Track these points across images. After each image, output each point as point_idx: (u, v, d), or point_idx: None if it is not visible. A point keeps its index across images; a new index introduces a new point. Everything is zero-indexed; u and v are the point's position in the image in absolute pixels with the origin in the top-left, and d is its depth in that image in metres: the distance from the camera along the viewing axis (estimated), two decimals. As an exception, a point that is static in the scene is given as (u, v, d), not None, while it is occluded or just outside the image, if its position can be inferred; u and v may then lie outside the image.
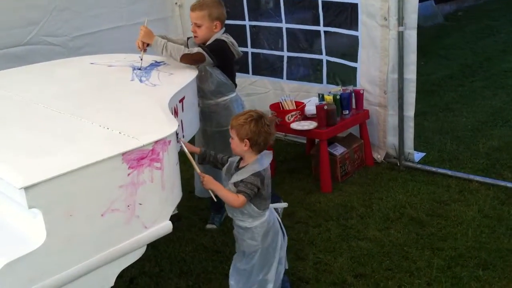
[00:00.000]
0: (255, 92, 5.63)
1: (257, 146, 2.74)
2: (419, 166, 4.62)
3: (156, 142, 2.36)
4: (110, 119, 2.59)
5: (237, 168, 2.81)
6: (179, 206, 4.04)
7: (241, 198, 2.68)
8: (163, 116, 2.63)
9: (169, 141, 2.44)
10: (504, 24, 10.63)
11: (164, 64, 3.67)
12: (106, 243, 2.28)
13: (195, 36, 3.74)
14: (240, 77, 5.72)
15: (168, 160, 2.44)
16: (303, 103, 4.65)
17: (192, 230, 3.94)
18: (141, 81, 3.27)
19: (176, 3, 5.88)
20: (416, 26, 4.32)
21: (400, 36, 4.34)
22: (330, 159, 4.42)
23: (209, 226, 3.97)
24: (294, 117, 4.47)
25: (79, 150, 2.29)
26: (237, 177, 2.74)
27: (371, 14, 4.43)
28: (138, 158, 2.31)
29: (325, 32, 4.86)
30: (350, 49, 4.75)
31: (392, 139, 4.74)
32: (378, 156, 4.82)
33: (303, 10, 5.01)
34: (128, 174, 2.28)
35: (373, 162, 4.79)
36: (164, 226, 2.50)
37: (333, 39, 4.87)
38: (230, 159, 2.91)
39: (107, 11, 5.36)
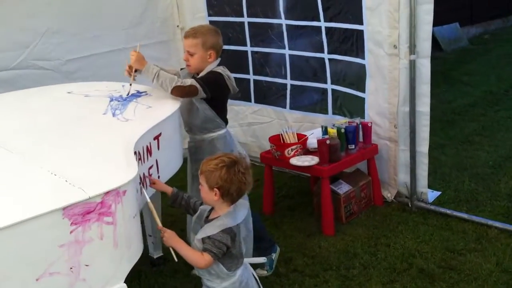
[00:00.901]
0: (258, 121, 5.29)
1: (229, 197, 2.37)
2: (432, 207, 4.18)
3: (106, 193, 2.03)
4: (61, 163, 2.28)
5: (207, 220, 2.44)
6: (166, 248, 3.78)
7: (207, 258, 2.32)
8: (121, 161, 2.29)
9: (124, 191, 2.10)
10: (533, 48, 10.15)
11: (146, 94, 3.36)
12: (41, 313, 1.94)
13: (187, 65, 3.44)
14: (242, 105, 5.44)
15: (122, 213, 2.10)
16: (305, 135, 4.27)
17: (176, 276, 3.57)
18: (114, 114, 2.96)
19: (178, 26, 5.59)
20: (429, 54, 3.93)
21: (412, 66, 3.95)
22: (334, 198, 4.02)
23: (260, 272, 3.42)
24: (294, 151, 4.09)
25: (15, 201, 1.97)
26: (204, 232, 2.38)
27: (378, 42, 4.06)
28: (84, 213, 1.98)
29: (329, 59, 4.50)
30: (357, 78, 4.37)
31: (403, 177, 4.32)
32: (388, 195, 4.41)
33: (307, 36, 4.65)
34: (71, 232, 1.96)
35: (383, 202, 4.37)
36: (118, 289, 2.15)
37: (338, 67, 4.51)
38: (201, 207, 2.55)
39: (104, 34, 5.08)
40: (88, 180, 2.09)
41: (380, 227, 4.00)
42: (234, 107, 5.52)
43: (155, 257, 3.70)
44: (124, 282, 2.16)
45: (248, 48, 5.17)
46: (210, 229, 2.36)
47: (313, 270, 3.52)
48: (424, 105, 4.05)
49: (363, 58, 4.25)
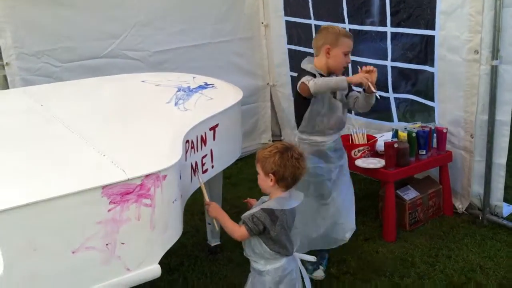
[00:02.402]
0: None
1: (284, 182, 2.45)
2: (505, 222, 3.95)
3: (146, 176, 2.14)
4: (113, 145, 2.42)
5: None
6: (226, 236, 3.87)
7: (242, 229, 2.42)
8: (167, 147, 2.39)
9: (164, 176, 2.20)
10: None
11: (212, 87, 3.45)
12: (77, 284, 2.08)
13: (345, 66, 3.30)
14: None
15: (161, 197, 2.19)
16: (375, 137, 4.19)
17: (229, 266, 3.65)
18: (176, 104, 3.08)
19: (262, 23, 5.68)
20: (515, 60, 3.72)
21: (494, 72, 3.76)
22: (398, 204, 3.93)
23: (315, 274, 3.46)
24: (361, 152, 4.04)
25: (59, 177, 2.12)
26: (250, 211, 2.47)
27: (454, 47, 3.88)
28: (123, 193, 2.09)
29: (392, 67, 4.38)
30: (425, 86, 4.22)
31: (477, 188, 4.12)
32: (460, 205, 4.22)
33: (370, 41, 4.52)
34: (109, 210, 2.07)
35: (452, 212, 4.20)
36: (151, 270, 2.24)
37: (404, 75, 4.36)
38: (262, 197, 2.62)
39: (190, 28, 5.29)
40: (131, 162, 2.20)
41: (445, 238, 3.85)
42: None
43: (212, 244, 3.81)
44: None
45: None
46: (255, 209, 2.45)
47: (366, 274, 3.46)
48: (505, 114, 3.83)
49: (432, 65, 4.10)
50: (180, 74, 3.80)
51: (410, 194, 4.03)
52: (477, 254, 3.60)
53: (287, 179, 2.43)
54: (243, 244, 2.57)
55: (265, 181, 2.47)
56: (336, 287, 3.35)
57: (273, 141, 5.99)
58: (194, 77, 3.70)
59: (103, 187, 2.04)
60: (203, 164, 2.86)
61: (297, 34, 5.32)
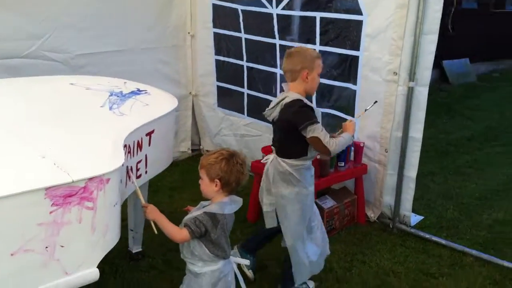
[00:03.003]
0: (250, 133, 5.44)
1: (228, 187, 2.57)
2: (413, 230, 4.28)
3: (90, 179, 2.15)
4: (53, 148, 2.40)
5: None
6: (148, 242, 3.89)
7: (184, 232, 2.50)
8: (109, 151, 2.42)
9: (108, 179, 2.22)
10: (539, 89, 10.25)
11: (145, 93, 3.49)
12: (14, 287, 2.05)
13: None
14: (236, 117, 5.58)
15: (103, 200, 2.22)
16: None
17: (151, 273, 3.68)
18: (110, 108, 3.09)
19: (188, 33, 5.74)
20: (428, 83, 4.03)
21: (410, 93, 4.07)
22: (318, 212, 4.13)
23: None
24: (284, 163, 4.21)
25: (1, 177, 2.09)
26: (191, 215, 2.55)
27: (375, 68, 4.17)
28: (65, 195, 2.10)
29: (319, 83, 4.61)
30: (347, 102, 4.48)
31: (389, 199, 4.43)
32: (372, 214, 4.51)
33: None
34: (51, 212, 2.07)
35: (365, 220, 4.48)
36: (90, 274, 2.26)
37: (328, 91, 4.61)
38: (201, 202, 2.68)
39: (115, 33, 5.24)
40: (74, 165, 2.20)
41: (359, 245, 4.10)
42: (230, 117, 5.68)
43: (133, 251, 3.81)
44: (99, 271, 2.27)
45: (244, 63, 5.32)
46: (196, 212, 2.54)
47: (288, 279, 3.62)
48: (417, 132, 4.15)
49: (355, 83, 4.36)
50: (110, 79, 3.79)
51: (328, 203, 4.25)
52: (389, 260, 3.87)
53: (232, 184, 2.55)
54: (180, 247, 2.64)
55: (209, 186, 2.56)
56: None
57: (192, 150, 6.07)
58: (125, 82, 3.71)
59: (47, 188, 2.04)
60: (137, 169, 2.89)
61: (226, 46, 5.45)
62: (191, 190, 5.07)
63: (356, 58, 4.27)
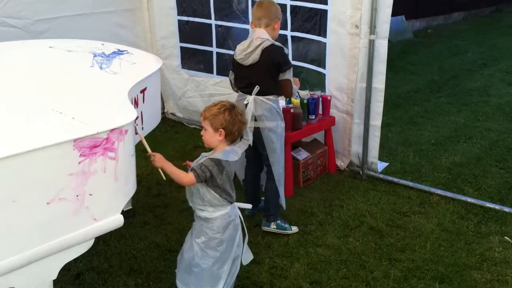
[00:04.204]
0: (219, 92, 5.54)
1: (231, 136, 2.73)
2: (381, 176, 4.58)
3: (111, 130, 2.24)
4: (64, 104, 2.45)
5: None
6: (134, 202, 3.99)
7: (190, 175, 2.63)
8: (121, 105, 2.50)
9: (126, 131, 2.32)
10: (472, 44, 10.84)
11: (128, 53, 3.53)
12: (50, 233, 2.15)
13: None
14: (204, 77, 5.66)
15: (123, 151, 2.31)
16: (269, 104, 4.55)
17: (145, 228, 3.81)
18: (101, 68, 3.13)
19: (144, -5, 5.74)
20: (387, 36, 4.27)
21: (371, 45, 4.29)
22: (293, 164, 4.34)
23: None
24: (259, 118, 4.38)
25: (27, 133, 2.14)
26: (197, 162, 2.69)
27: (341, 21, 4.37)
28: (91, 146, 2.18)
29: (292, 37, 4.78)
30: (318, 55, 4.68)
31: (356, 148, 4.69)
32: (342, 163, 4.77)
33: None
34: (79, 162, 2.15)
35: (336, 170, 4.74)
36: (115, 220, 2.37)
37: (301, 45, 4.79)
38: (202, 154, 2.81)
39: (72, -3, 5.19)
40: (93, 118, 2.28)
41: (334, 191, 4.36)
42: (196, 78, 5.75)
43: (124, 209, 3.88)
44: None
45: (212, 22, 5.39)
46: (202, 159, 2.69)
47: (275, 225, 3.83)
48: (379, 82, 4.40)
49: (324, 36, 4.55)
50: (87, 41, 3.79)
51: (302, 155, 4.46)
52: (364, 203, 4.15)
53: (235, 133, 2.72)
54: (188, 196, 2.77)
55: (213, 136, 2.69)
56: (253, 238, 3.64)
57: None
58: (102, 44, 3.72)
59: (75, 140, 2.12)
60: (135, 125, 2.97)
61: (190, 6, 5.47)
62: (164, 151, 5.11)
63: (325, 12, 4.45)
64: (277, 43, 3.59)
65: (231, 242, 2.77)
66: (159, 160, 2.69)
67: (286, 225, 3.76)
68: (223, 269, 2.76)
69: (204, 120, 2.71)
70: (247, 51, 3.55)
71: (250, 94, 3.59)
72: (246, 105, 3.59)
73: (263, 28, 3.58)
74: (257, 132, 3.62)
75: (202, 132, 2.75)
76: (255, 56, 3.52)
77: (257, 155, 3.78)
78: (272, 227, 3.75)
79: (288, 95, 3.81)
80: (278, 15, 3.65)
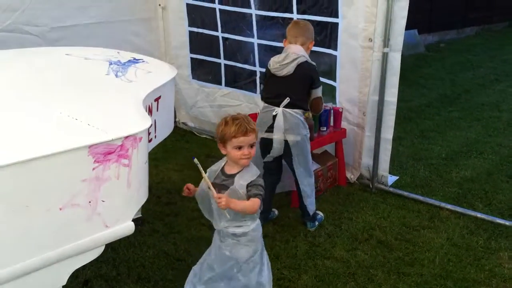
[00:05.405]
0: (228, 104, 5.59)
1: None
2: (391, 189, 4.58)
3: (126, 137, 2.26)
4: (79, 111, 2.48)
5: (227, 175, 2.65)
6: (144, 210, 4.01)
7: (257, 201, 2.55)
8: (136, 112, 2.53)
9: (140, 138, 2.34)
10: (484, 59, 10.82)
11: (143, 62, 3.57)
12: (62, 239, 2.16)
13: None
14: (212, 88, 5.70)
15: (137, 158, 2.33)
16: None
17: (154, 236, 3.82)
18: (116, 76, 3.17)
19: (159, 5, 5.79)
20: (401, 48, 4.28)
21: (384, 58, 4.30)
22: (303, 175, 4.34)
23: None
24: (271, 129, 4.40)
25: (42, 138, 2.17)
26: (241, 180, 2.59)
27: (354, 34, 4.38)
28: (105, 153, 2.21)
29: None
30: (329, 68, 4.70)
31: (367, 161, 4.69)
32: (352, 176, 4.77)
33: (277, 26, 4.94)
34: (93, 169, 2.18)
35: (346, 182, 4.74)
36: (126, 227, 2.39)
37: (311, 57, 4.80)
38: (208, 170, 2.73)
39: (89, 5, 5.27)
40: (107, 125, 2.31)
41: (344, 204, 4.36)
42: (205, 89, 5.80)
43: (134, 217, 3.90)
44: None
45: (219, 34, 5.43)
46: (246, 177, 2.59)
47: (283, 236, 3.85)
48: (392, 95, 4.41)
49: (335, 49, 4.57)
50: (103, 49, 3.83)
51: (313, 167, 4.46)
52: (373, 216, 4.15)
53: None
54: (219, 218, 2.63)
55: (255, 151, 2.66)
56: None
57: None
58: (118, 52, 3.77)
59: (90, 146, 2.14)
60: (149, 133, 3.00)
61: (199, 17, 5.53)
62: (174, 160, 5.22)
63: (335, 25, 4.47)
64: (311, 61, 3.76)
65: (263, 248, 2.77)
66: (226, 202, 2.49)
67: (319, 216, 4.05)
68: (263, 275, 2.72)
69: (254, 133, 2.61)
70: (282, 62, 3.70)
71: (278, 106, 3.66)
72: (274, 116, 3.67)
73: (298, 44, 3.77)
74: (285, 145, 3.75)
75: (250, 149, 2.60)
76: (290, 69, 3.67)
77: (278, 165, 3.90)
78: (317, 224, 3.99)
79: (318, 112, 4.01)
80: (313, 36, 3.87)
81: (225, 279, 2.71)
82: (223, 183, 2.64)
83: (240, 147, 2.58)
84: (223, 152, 2.67)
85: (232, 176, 2.64)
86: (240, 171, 2.64)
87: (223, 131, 2.62)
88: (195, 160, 2.60)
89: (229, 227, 2.65)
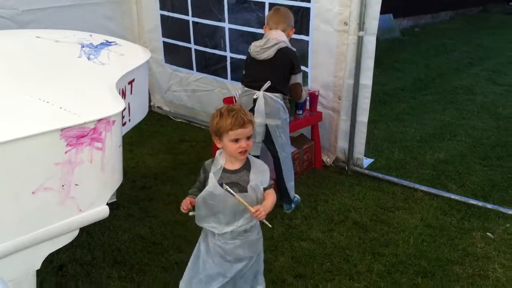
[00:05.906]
0: (201, 89, 5.55)
1: None
2: (366, 171, 4.62)
3: (99, 120, 2.24)
4: (51, 94, 2.44)
5: (231, 171, 2.51)
6: (119, 195, 3.98)
7: (274, 193, 2.56)
8: (109, 95, 2.50)
9: (113, 121, 2.32)
10: (458, 43, 10.92)
11: (116, 44, 3.52)
12: (35, 223, 2.15)
13: None
14: (185, 73, 5.65)
15: (110, 141, 2.31)
16: (256, 99, 4.56)
17: (130, 220, 3.80)
18: (89, 58, 3.12)
19: (133, -12, 5.70)
20: (376, 32, 4.28)
21: (360, 42, 4.31)
22: (280, 158, 4.35)
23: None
24: (246, 112, 4.39)
25: (13, 122, 2.14)
26: (259, 177, 2.50)
27: (327, 19, 4.37)
28: (78, 136, 2.18)
29: None
30: (300, 53, 4.67)
31: (342, 144, 4.72)
32: (328, 159, 4.80)
33: (249, 11, 4.90)
34: (66, 152, 2.15)
35: (322, 165, 4.77)
36: (100, 211, 2.38)
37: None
38: (203, 169, 2.58)
39: (60, -12, 5.16)
40: (80, 109, 2.28)
41: (320, 186, 4.39)
42: (178, 73, 5.74)
43: (109, 202, 3.87)
44: None
45: (190, 18, 5.37)
46: (260, 173, 2.51)
47: (260, 219, 3.85)
48: (367, 79, 4.42)
49: (307, 34, 4.55)
50: (75, 32, 3.77)
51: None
52: (349, 198, 4.19)
53: None
54: (234, 217, 2.50)
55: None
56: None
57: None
58: (90, 35, 3.71)
59: (62, 129, 2.12)
60: (122, 117, 2.96)
61: (171, 0, 5.46)
62: (149, 144, 5.18)
63: (307, 10, 4.45)
64: (291, 47, 3.79)
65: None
66: (264, 210, 2.41)
67: (296, 199, 4.07)
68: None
69: (251, 125, 2.46)
70: (263, 46, 3.72)
71: (259, 90, 3.68)
72: (254, 100, 3.69)
73: (279, 30, 3.79)
74: (266, 129, 3.78)
75: (247, 141, 2.45)
76: (270, 52, 3.70)
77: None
78: (293, 207, 4.01)
79: (298, 98, 4.00)
80: (293, 23, 3.93)
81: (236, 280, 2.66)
82: (231, 181, 2.48)
83: (237, 140, 2.44)
84: (219, 146, 2.51)
85: (237, 171, 2.50)
86: (243, 165, 2.51)
87: (218, 123, 2.45)
88: (224, 185, 2.43)
89: (243, 224, 2.53)
